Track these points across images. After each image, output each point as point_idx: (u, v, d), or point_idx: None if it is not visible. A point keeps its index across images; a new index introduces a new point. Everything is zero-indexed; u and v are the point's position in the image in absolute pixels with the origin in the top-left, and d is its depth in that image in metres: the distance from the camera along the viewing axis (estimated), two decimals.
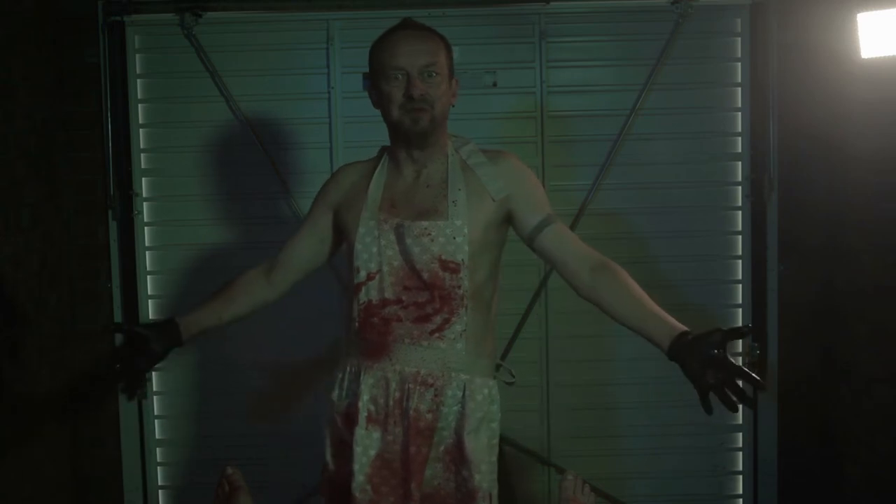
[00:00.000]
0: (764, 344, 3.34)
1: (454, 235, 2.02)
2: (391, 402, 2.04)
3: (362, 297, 2.06)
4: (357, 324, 2.08)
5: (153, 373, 3.39)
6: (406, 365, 2.04)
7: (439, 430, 2.04)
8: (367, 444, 2.04)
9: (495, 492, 2.05)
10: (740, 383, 1.78)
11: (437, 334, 2.04)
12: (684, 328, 1.86)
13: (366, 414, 2.04)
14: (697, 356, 1.79)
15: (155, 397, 3.42)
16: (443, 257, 2.02)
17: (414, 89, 1.99)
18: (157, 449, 3.43)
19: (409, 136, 2.04)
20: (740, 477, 3.45)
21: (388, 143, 2.16)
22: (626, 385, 3.40)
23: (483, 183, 2.07)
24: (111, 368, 2.05)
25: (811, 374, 3.35)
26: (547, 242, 2.06)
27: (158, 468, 3.44)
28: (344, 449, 2.11)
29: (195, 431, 3.42)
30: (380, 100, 2.06)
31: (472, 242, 2.03)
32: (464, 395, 2.04)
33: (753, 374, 1.72)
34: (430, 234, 2.02)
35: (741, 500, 3.45)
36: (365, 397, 2.05)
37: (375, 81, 2.07)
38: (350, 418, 2.09)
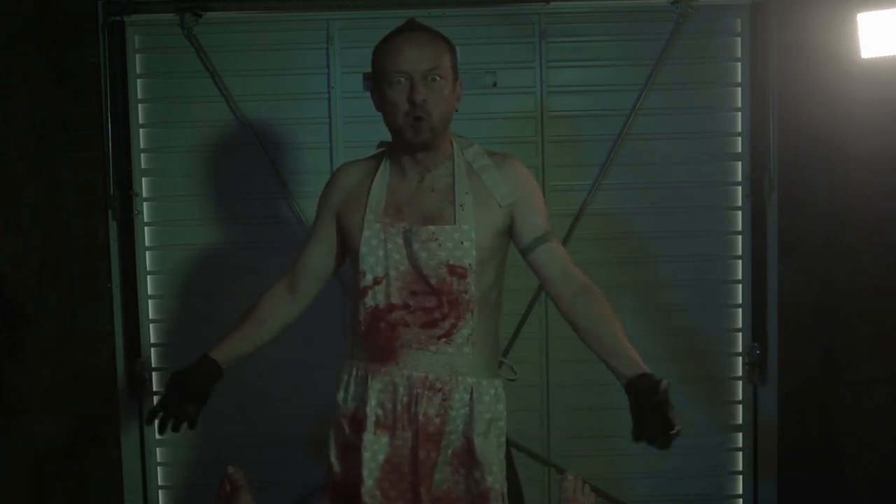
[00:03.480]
0: (764, 344, 3.34)
1: (462, 240, 2.01)
2: (399, 407, 2.04)
3: (368, 301, 2.06)
4: (363, 328, 2.08)
5: (153, 373, 3.39)
6: (414, 370, 2.04)
7: (447, 433, 2.04)
8: (375, 449, 2.04)
9: (506, 489, 2.07)
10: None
11: (444, 339, 2.04)
12: (645, 370, 1.89)
13: (374, 419, 2.04)
14: (644, 398, 1.80)
15: (155, 397, 3.41)
16: (450, 262, 2.01)
17: (416, 94, 1.97)
18: (157, 449, 3.43)
19: (412, 146, 2.03)
20: (740, 477, 3.45)
21: (387, 138, 2.14)
22: None
23: (489, 188, 2.07)
24: (164, 416, 2.08)
25: (811, 374, 3.35)
26: (540, 259, 2.08)
27: (158, 468, 3.43)
28: (349, 451, 2.11)
29: (195, 431, 3.40)
30: (382, 104, 2.05)
31: (479, 247, 2.03)
32: (471, 398, 2.04)
33: (676, 428, 1.73)
34: (437, 239, 2.01)
35: (741, 500, 3.45)
36: (373, 402, 2.05)
37: (378, 85, 2.05)
38: (357, 422, 2.09)
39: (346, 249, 2.15)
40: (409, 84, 1.98)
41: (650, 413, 1.76)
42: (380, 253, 2.04)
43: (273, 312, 2.19)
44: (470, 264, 2.02)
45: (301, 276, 2.20)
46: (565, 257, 2.11)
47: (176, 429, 2.06)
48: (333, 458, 2.15)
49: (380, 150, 2.20)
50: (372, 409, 2.05)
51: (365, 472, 2.03)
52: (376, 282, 2.05)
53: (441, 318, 2.03)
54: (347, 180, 2.17)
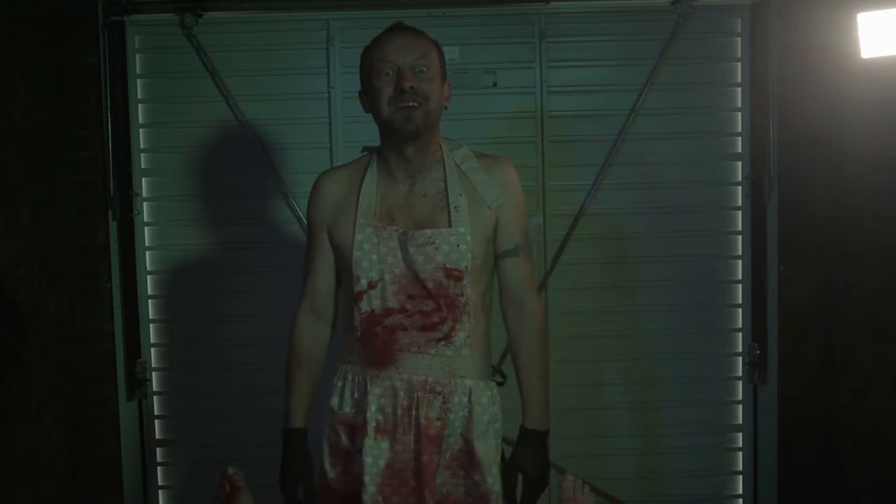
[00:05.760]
0: (764, 344, 3.34)
1: (458, 243, 2.01)
2: (399, 411, 2.04)
3: (364, 306, 2.05)
4: (359, 333, 2.07)
5: (153, 373, 3.40)
6: (413, 373, 2.04)
7: (447, 436, 2.04)
8: (376, 455, 2.03)
9: (502, 492, 2.07)
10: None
11: (443, 342, 2.04)
12: (526, 426, 2.15)
13: (374, 424, 2.04)
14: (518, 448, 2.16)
15: (155, 397, 3.41)
16: (447, 266, 2.01)
17: (404, 82, 1.97)
18: (157, 449, 3.43)
19: (402, 134, 2.01)
20: (740, 477, 3.45)
21: (375, 143, 2.15)
22: (626, 385, 3.40)
23: (478, 191, 2.07)
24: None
25: (811, 374, 3.35)
26: (504, 270, 2.13)
27: (158, 468, 3.43)
28: (346, 458, 2.11)
29: (195, 431, 3.41)
30: (370, 99, 2.04)
31: (473, 250, 2.03)
32: (470, 400, 2.05)
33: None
34: (434, 243, 2.01)
35: (741, 500, 3.45)
36: (373, 407, 2.04)
37: (366, 82, 2.05)
38: (355, 429, 2.08)
39: (339, 257, 2.12)
40: (397, 74, 1.98)
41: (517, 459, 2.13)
42: (373, 257, 2.03)
43: (314, 347, 2.19)
44: (466, 267, 2.02)
45: (319, 300, 2.18)
46: (526, 276, 2.13)
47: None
48: (327, 465, 2.14)
49: (363, 154, 2.18)
50: (372, 415, 2.04)
51: (367, 479, 2.02)
52: (371, 286, 2.04)
53: (440, 322, 2.03)
54: (332, 190, 2.14)
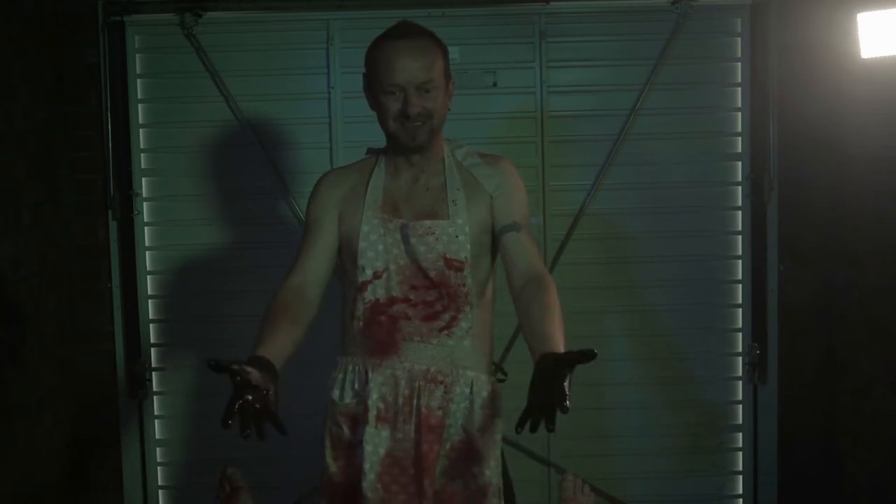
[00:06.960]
0: (764, 344, 3.34)
1: (457, 234, 2.05)
2: (401, 400, 2.05)
3: (368, 295, 2.07)
4: (361, 323, 2.09)
5: (153, 373, 3.39)
6: (416, 362, 2.06)
7: (448, 427, 2.05)
8: (376, 443, 2.04)
9: (501, 485, 2.07)
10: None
11: (445, 332, 2.06)
12: (554, 350, 1.79)
13: (375, 412, 2.05)
14: (541, 372, 1.75)
15: (155, 397, 3.41)
16: (447, 256, 2.04)
17: (410, 108, 1.99)
18: (157, 449, 3.43)
19: (406, 149, 2.06)
20: (740, 477, 3.45)
21: (377, 144, 2.17)
22: (626, 385, 3.40)
23: (480, 182, 2.10)
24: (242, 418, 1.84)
25: (811, 374, 3.35)
26: (505, 244, 2.10)
27: (158, 468, 3.44)
28: (347, 449, 2.11)
29: (195, 431, 3.42)
30: (376, 109, 2.07)
31: (472, 241, 2.06)
32: (471, 392, 2.06)
33: (567, 399, 1.64)
34: (434, 233, 2.04)
35: (741, 500, 3.45)
36: (374, 395, 2.05)
37: (372, 89, 2.06)
38: (357, 419, 2.09)
39: (344, 248, 2.12)
40: (403, 96, 2.00)
41: (551, 379, 1.69)
42: (379, 247, 2.06)
43: (303, 314, 2.03)
44: (465, 257, 2.05)
45: (311, 286, 2.08)
46: (531, 249, 2.11)
47: (261, 433, 1.84)
48: (330, 459, 2.14)
49: (367, 156, 2.21)
50: (373, 403, 2.05)
51: (367, 466, 2.03)
52: (376, 276, 2.06)
53: (442, 311, 2.05)
54: (338, 183, 2.15)
